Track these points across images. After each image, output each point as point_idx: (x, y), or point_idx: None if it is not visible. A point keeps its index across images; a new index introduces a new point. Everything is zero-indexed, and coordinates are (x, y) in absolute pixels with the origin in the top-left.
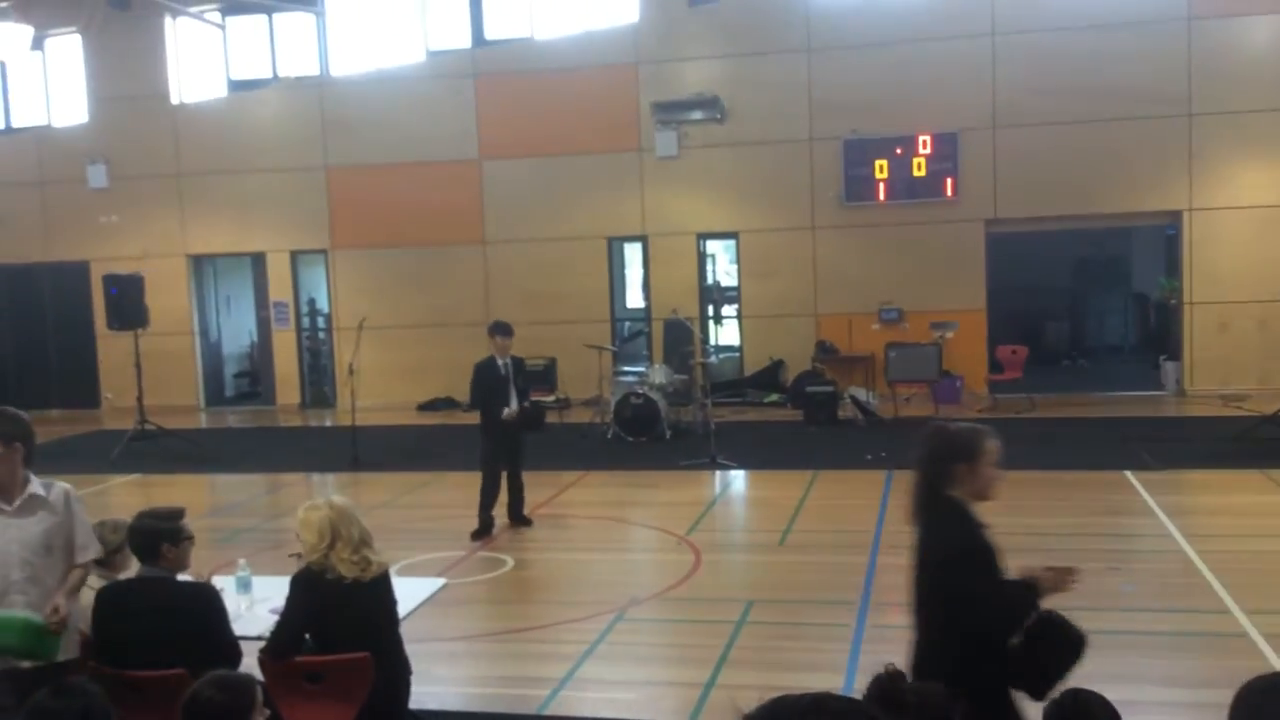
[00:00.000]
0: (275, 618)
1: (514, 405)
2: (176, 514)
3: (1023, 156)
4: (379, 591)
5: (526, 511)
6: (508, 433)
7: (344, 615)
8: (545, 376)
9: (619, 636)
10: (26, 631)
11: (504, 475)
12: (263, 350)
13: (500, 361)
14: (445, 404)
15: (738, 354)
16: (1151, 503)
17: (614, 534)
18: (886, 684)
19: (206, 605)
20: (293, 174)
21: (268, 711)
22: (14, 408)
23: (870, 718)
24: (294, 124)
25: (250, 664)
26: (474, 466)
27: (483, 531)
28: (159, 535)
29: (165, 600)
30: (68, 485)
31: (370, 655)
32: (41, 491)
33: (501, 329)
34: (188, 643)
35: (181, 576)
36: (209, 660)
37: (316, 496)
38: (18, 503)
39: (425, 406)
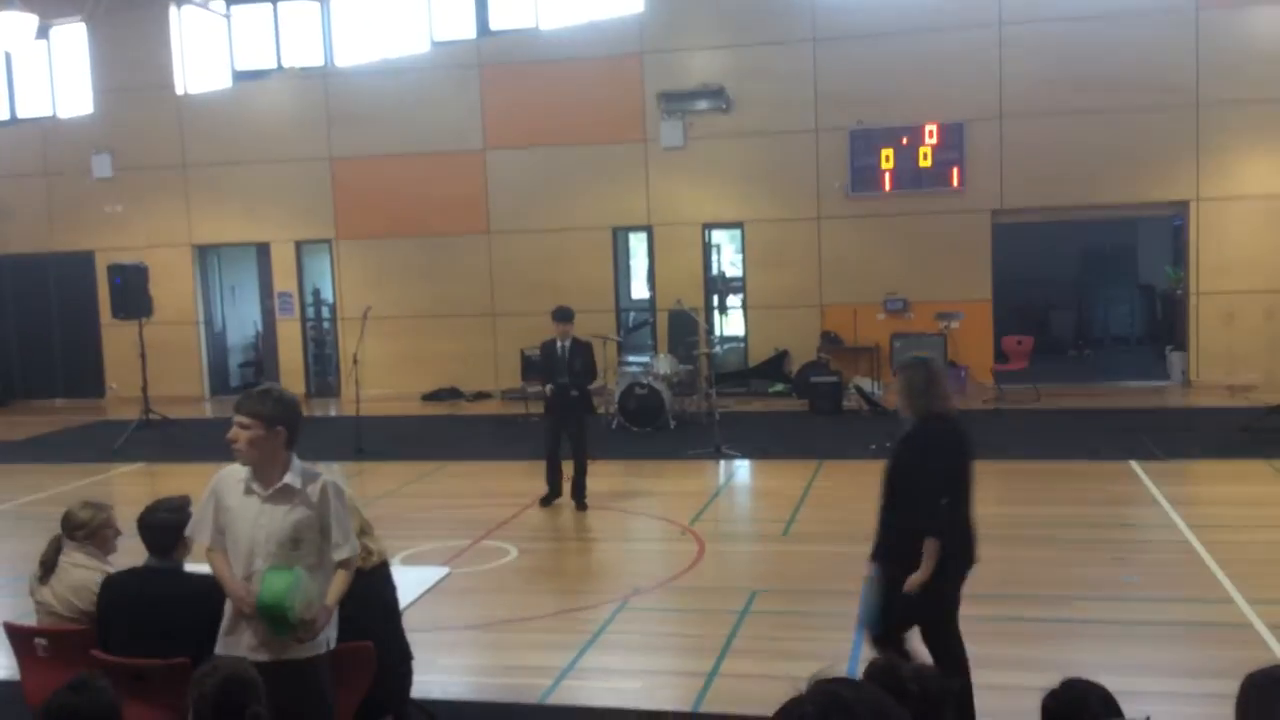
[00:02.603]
0: None
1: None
2: (186, 503)
3: (1029, 147)
4: (378, 581)
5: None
6: (564, 411)
7: (344, 604)
8: None
9: (622, 626)
10: (276, 612)
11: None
12: (267, 340)
13: (560, 344)
14: (449, 394)
15: (743, 344)
16: (1156, 493)
17: (618, 523)
18: (886, 671)
19: (218, 597)
20: (297, 164)
21: None
22: (281, 389)
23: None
24: (299, 114)
25: None
26: (476, 456)
27: (549, 498)
28: (179, 529)
29: (176, 591)
30: (331, 478)
31: (371, 644)
32: (297, 483)
33: (555, 314)
34: (197, 633)
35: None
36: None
37: None
38: (272, 490)
39: (429, 396)
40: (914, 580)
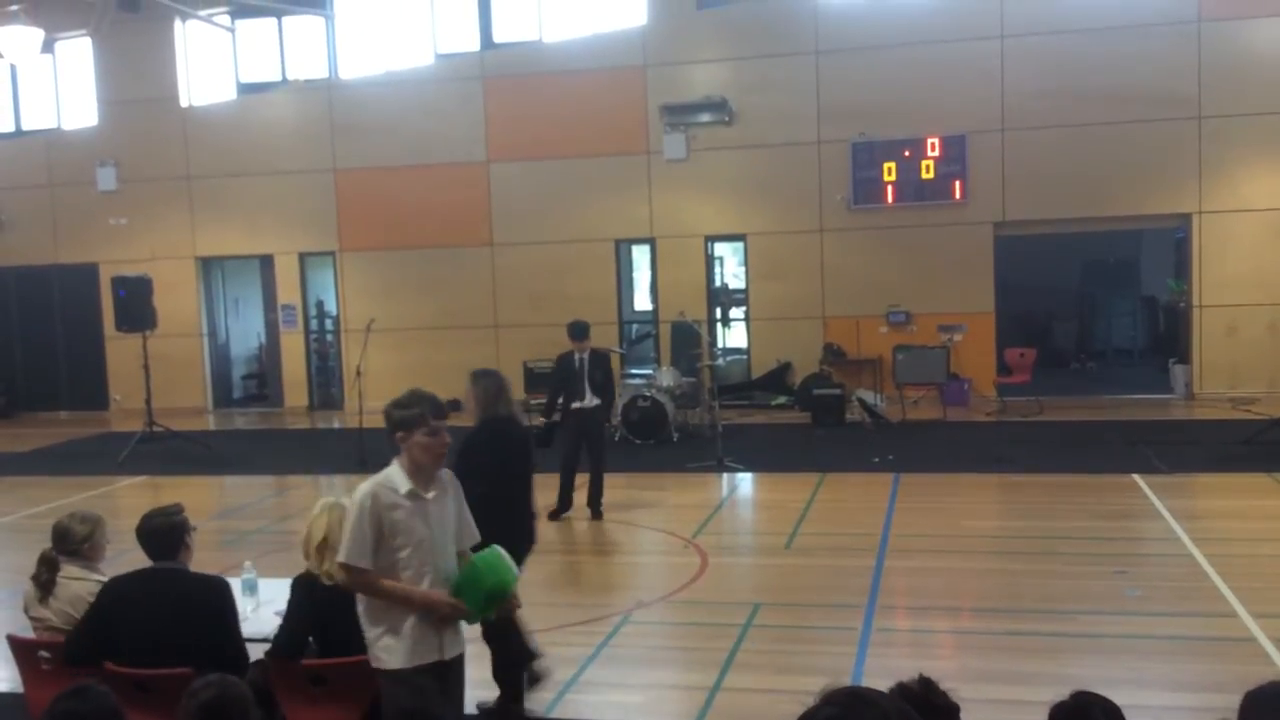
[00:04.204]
0: (280, 620)
1: (588, 399)
2: (179, 509)
3: (1031, 159)
4: None
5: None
6: (582, 425)
7: (345, 618)
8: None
9: (625, 639)
10: (502, 590)
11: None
12: (270, 352)
13: (578, 357)
14: (452, 406)
15: (745, 356)
16: (1159, 506)
17: (620, 536)
18: (922, 693)
19: (221, 600)
20: (301, 176)
21: None
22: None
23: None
24: (303, 127)
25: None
26: None
27: (559, 511)
28: (182, 529)
29: (183, 592)
30: (447, 468)
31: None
32: (444, 477)
33: (573, 331)
34: (201, 637)
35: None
36: (217, 659)
37: (323, 498)
38: (436, 489)
39: None
40: None
